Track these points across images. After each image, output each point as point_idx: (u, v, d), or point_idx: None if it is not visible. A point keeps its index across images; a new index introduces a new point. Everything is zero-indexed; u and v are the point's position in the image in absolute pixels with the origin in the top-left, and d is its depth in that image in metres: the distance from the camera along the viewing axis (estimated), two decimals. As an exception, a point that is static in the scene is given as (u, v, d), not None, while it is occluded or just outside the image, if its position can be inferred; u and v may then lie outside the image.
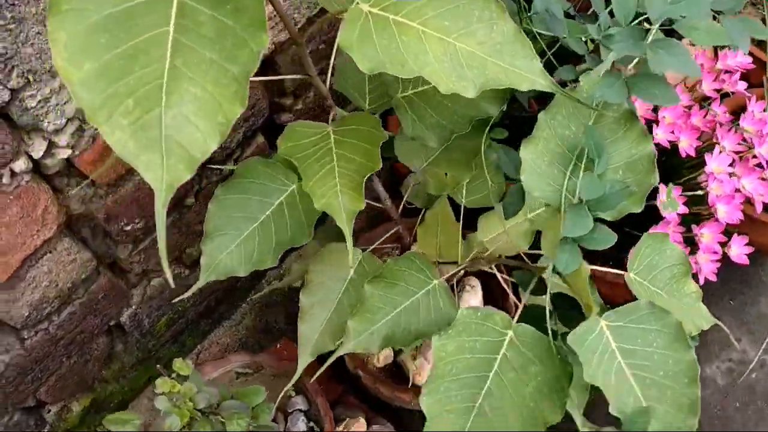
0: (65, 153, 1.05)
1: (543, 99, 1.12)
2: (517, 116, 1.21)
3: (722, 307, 1.71)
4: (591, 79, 0.89)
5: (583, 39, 1.05)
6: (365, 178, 0.84)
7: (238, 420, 1.06)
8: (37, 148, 1.01)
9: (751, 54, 1.36)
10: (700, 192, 1.19)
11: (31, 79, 0.94)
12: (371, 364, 1.45)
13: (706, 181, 1.17)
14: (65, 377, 1.42)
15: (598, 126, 0.91)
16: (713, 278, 1.19)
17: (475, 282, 1.47)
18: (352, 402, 1.44)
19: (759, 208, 1.20)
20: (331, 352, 1.05)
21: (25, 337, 1.25)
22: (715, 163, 1.17)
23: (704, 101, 1.32)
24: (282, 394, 1.18)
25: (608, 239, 0.85)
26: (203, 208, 1.46)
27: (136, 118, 0.56)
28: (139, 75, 0.56)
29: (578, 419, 0.79)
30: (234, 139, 1.37)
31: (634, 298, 0.85)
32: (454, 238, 1.17)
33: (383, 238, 1.16)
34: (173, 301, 1.55)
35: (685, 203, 1.15)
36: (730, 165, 1.19)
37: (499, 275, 1.39)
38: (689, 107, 1.25)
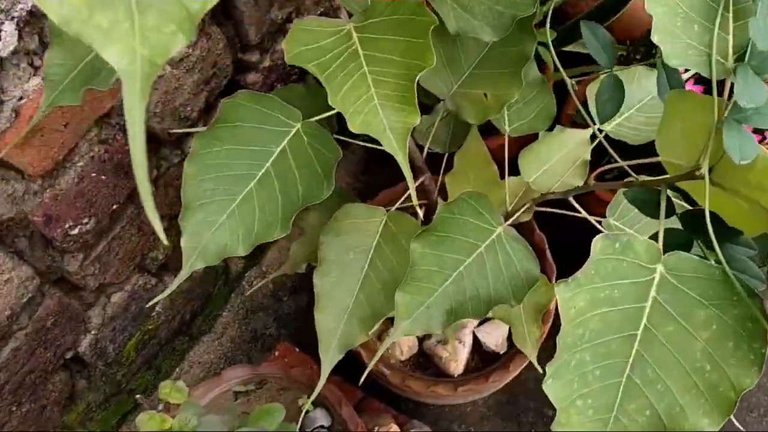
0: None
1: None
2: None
3: None
4: None
5: None
6: (415, 80, 0.57)
7: (257, 452, 0.77)
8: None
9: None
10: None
11: None
12: (394, 357, 1.17)
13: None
14: None
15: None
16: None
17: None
18: (376, 407, 1.15)
19: None
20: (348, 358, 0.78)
21: (-45, 387, 0.93)
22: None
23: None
24: (303, 409, 0.90)
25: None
26: (165, 198, 1.15)
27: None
28: None
29: None
30: (194, 107, 1.07)
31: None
32: (491, 183, 0.90)
33: (405, 196, 0.89)
34: (140, 319, 1.24)
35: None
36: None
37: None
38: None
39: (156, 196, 1.10)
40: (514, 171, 0.91)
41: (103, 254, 1.09)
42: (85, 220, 1.01)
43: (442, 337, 1.14)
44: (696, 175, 0.57)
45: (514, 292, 0.71)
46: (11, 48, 0.76)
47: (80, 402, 1.24)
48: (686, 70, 0.90)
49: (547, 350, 0.80)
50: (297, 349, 1.19)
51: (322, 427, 0.99)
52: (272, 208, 0.69)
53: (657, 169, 0.68)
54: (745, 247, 0.57)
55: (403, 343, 1.15)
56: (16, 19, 0.75)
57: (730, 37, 0.56)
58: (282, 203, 0.69)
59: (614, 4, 1.04)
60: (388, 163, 0.95)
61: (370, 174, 1.50)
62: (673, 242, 0.57)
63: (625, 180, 0.67)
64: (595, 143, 0.82)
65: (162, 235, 0.37)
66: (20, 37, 0.77)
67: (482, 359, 1.16)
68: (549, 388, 0.54)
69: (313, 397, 0.84)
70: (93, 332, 1.16)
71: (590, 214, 1.31)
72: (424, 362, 1.17)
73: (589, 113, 0.79)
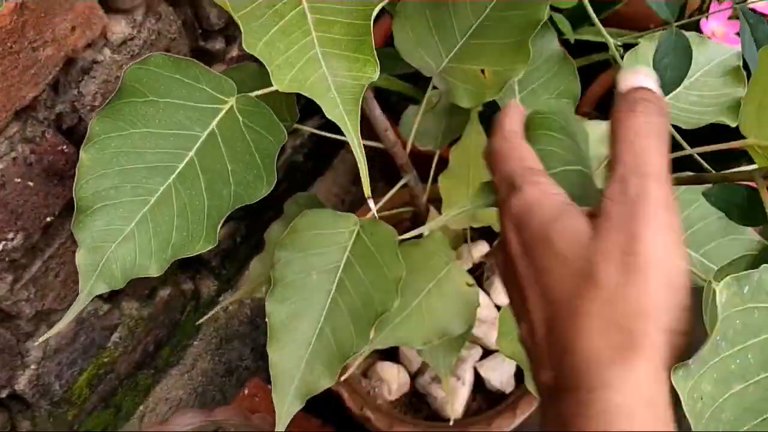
0: None
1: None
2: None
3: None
4: None
5: None
6: (372, 18, 0.37)
7: None
8: None
9: None
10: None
11: None
12: (381, 398, 0.96)
13: None
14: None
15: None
16: None
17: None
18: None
19: None
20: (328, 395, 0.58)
21: None
22: None
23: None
24: (260, 468, 0.70)
25: None
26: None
27: None
28: None
29: None
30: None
31: None
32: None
33: (388, 197, 0.69)
34: (93, 351, 1.05)
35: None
36: None
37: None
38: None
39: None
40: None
41: (40, 276, 0.90)
42: (11, 235, 0.82)
43: (438, 375, 0.94)
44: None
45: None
46: None
47: (23, 447, 1.05)
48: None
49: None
50: (270, 387, 0.99)
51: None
52: (196, 212, 0.50)
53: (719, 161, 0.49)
54: None
55: (392, 381, 0.95)
56: None
57: None
58: (208, 205, 0.50)
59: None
60: (383, 174, 0.74)
61: (359, 185, 1.31)
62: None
63: (689, 174, 0.47)
64: None
65: None
66: None
67: (485, 400, 0.95)
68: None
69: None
70: (33, 367, 0.97)
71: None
72: (417, 403, 0.97)
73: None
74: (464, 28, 0.61)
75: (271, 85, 0.41)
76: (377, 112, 0.62)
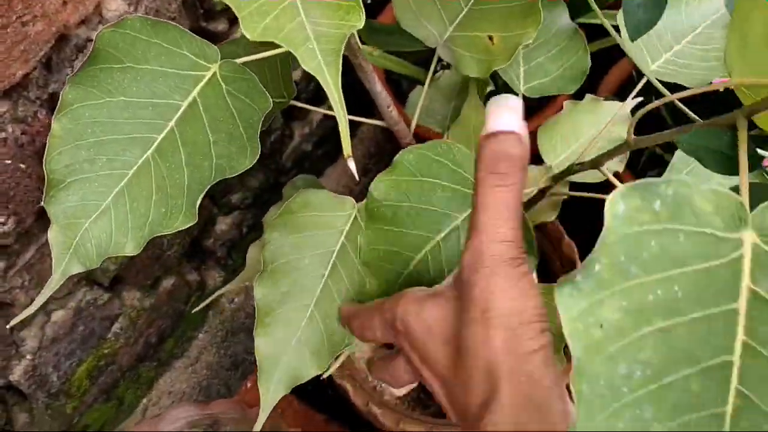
0: None
1: None
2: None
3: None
4: None
5: None
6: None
7: None
8: None
9: None
10: None
11: None
12: (388, 393, 0.92)
13: None
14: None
15: None
16: None
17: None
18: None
19: None
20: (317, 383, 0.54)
21: None
22: None
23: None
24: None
25: None
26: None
27: None
28: None
29: None
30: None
31: None
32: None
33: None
34: (92, 342, 1.01)
35: None
36: None
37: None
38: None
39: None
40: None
41: (35, 262, 0.86)
42: (2, 220, 0.79)
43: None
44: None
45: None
46: None
47: (21, 439, 1.01)
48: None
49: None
50: (273, 380, 0.95)
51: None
52: (175, 186, 0.46)
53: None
54: None
55: (398, 376, 0.90)
56: None
57: None
58: (188, 178, 0.46)
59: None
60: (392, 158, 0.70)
61: (370, 176, 1.26)
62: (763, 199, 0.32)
63: (681, 127, 0.43)
64: (640, 85, 0.56)
65: None
66: None
67: (497, 396, 0.90)
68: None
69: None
70: (28, 357, 0.93)
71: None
72: (425, 399, 0.92)
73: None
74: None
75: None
76: (378, 87, 0.57)
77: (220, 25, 0.91)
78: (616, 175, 0.57)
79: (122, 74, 0.46)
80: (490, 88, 0.69)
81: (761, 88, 0.36)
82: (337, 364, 0.64)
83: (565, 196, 0.66)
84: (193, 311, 1.15)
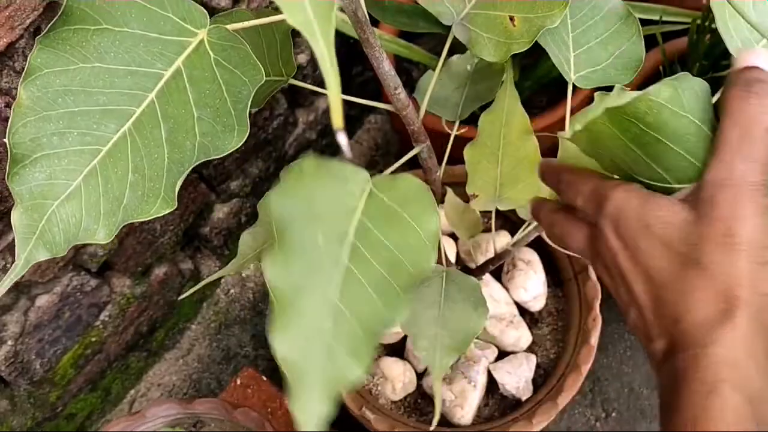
0: None
1: None
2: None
3: None
4: None
5: None
6: None
7: None
8: None
9: None
10: None
11: None
12: (384, 397, 0.86)
13: None
14: None
15: None
16: None
17: (532, 256, 0.89)
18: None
19: None
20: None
21: None
22: None
23: None
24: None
25: None
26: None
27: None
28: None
29: None
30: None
31: None
32: (530, 163, 0.60)
33: (395, 167, 0.59)
34: (79, 330, 0.96)
35: None
36: None
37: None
38: None
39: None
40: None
41: (18, 244, 0.81)
42: (-19, 197, 0.74)
43: (447, 374, 0.84)
44: None
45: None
46: None
47: (1, 427, 0.96)
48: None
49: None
50: (265, 378, 0.90)
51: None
52: (153, 167, 0.40)
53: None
54: None
55: (396, 379, 0.85)
56: None
57: None
58: (168, 158, 0.40)
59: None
60: (400, 156, 0.64)
61: (376, 168, 1.20)
62: None
63: None
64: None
65: None
66: None
67: (499, 406, 0.85)
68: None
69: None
70: (9, 343, 0.88)
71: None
72: (424, 405, 0.86)
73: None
74: None
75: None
76: (386, 67, 0.52)
77: (224, 1, 0.85)
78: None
79: (98, 37, 0.41)
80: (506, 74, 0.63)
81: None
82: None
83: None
84: (186, 301, 1.09)
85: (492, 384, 0.84)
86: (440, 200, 0.70)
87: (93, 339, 0.98)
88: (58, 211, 0.41)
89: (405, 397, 0.86)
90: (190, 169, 0.40)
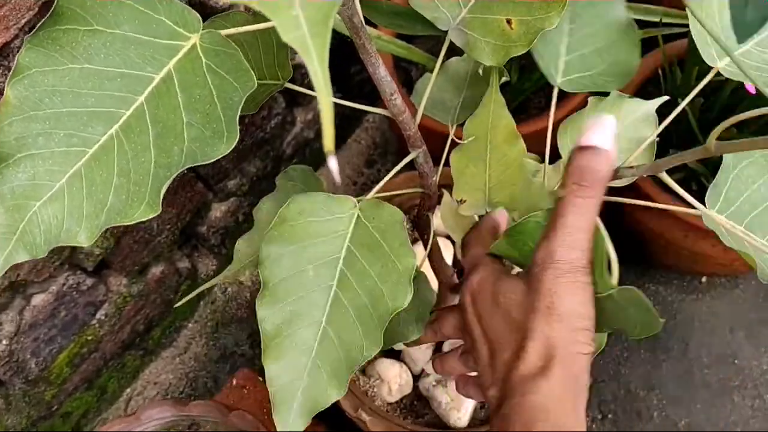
0: None
1: None
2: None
3: None
4: None
5: None
6: None
7: None
8: None
9: None
10: None
11: None
12: (380, 398, 0.85)
13: None
14: None
15: None
16: None
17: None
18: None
19: None
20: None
21: None
22: None
23: None
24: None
25: None
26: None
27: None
28: None
29: None
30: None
31: None
32: (514, 165, 0.59)
33: (392, 174, 0.58)
34: (75, 328, 0.95)
35: None
36: None
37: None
38: None
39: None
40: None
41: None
42: (-24, 196, 0.72)
43: (444, 378, 0.83)
44: None
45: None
46: None
47: (-3, 426, 0.95)
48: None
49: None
50: (261, 378, 0.89)
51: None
52: (139, 171, 0.39)
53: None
54: None
55: (392, 381, 0.84)
56: None
57: None
58: (155, 163, 0.39)
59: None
60: (398, 156, 0.64)
61: (374, 167, 1.19)
62: None
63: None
64: (707, 80, 0.49)
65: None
66: None
67: (495, 408, 0.84)
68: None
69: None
70: (4, 342, 0.87)
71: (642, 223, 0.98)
72: (420, 407, 0.86)
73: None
74: None
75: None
76: (381, 72, 0.50)
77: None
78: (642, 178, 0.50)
79: (89, 38, 0.40)
80: (505, 78, 0.62)
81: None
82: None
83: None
84: (189, 301, 1.08)
85: (488, 387, 0.83)
86: (437, 202, 0.69)
87: (89, 338, 0.97)
88: (39, 212, 0.40)
89: (401, 399, 0.85)
90: (177, 174, 0.39)
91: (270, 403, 0.48)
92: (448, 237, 0.91)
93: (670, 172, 0.47)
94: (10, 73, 0.40)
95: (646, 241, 1.02)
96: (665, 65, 0.94)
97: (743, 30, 0.34)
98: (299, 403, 0.48)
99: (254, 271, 0.87)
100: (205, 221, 1.05)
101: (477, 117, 0.58)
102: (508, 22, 0.49)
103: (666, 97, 0.62)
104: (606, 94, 0.57)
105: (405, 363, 0.85)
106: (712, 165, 0.89)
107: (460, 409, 0.81)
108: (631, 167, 0.47)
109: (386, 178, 0.57)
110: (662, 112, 0.58)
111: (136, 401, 1.07)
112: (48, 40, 0.40)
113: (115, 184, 0.40)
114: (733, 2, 0.34)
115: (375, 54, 0.50)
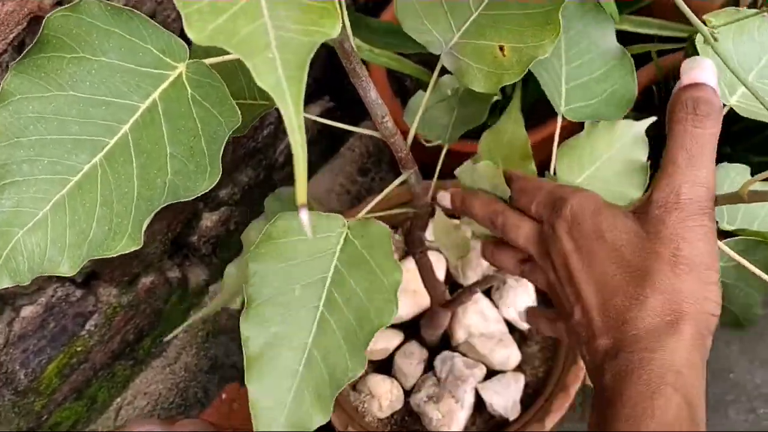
0: None
1: None
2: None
3: None
4: None
5: None
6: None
7: None
8: None
9: None
10: None
11: None
12: (370, 414, 0.86)
13: None
14: None
15: None
16: None
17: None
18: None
19: None
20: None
21: None
22: None
23: None
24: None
25: None
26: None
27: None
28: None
29: None
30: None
31: None
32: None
33: (382, 195, 0.58)
34: (64, 339, 0.95)
35: None
36: None
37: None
38: None
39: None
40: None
41: (1, 256, 0.80)
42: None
43: (434, 393, 0.83)
44: None
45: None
46: None
47: (-16, 436, 0.95)
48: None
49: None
50: (250, 392, 0.89)
51: None
52: (122, 201, 0.39)
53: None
54: None
55: (382, 396, 0.84)
56: None
57: None
58: (138, 194, 0.39)
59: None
60: (391, 165, 0.64)
61: (368, 176, 1.19)
62: None
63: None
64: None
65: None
66: None
67: (486, 425, 0.84)
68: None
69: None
70: (-7, 353, 0.88)
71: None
72: (411, 423, 0.86)
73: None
74: (480, -4, 0.50)
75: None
76: (372, 95, 0.50)
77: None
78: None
79: (75, 66, 0.40)
80: (497, 97, 0.62)
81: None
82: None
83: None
84: (173, 310, 1.08)
85: (480, 402, 0.83)
86: (425, 220, 0.69)
87: (78, 348, 0.97)
88: (23, 239, 0.40)
89: (392, 415, 0.85)
90: (158, 209, 0.39)
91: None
92: (440, 250, 0.91)
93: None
94: (-6, 98, 0.40)
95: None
96: (660, 79, 0.94)
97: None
98: (282, 427, 0.48)
99: (237, 301, 0.87)
100: (196, 231, 1.05)
101: (493, 133, 0.59)
102: (501, 48, 0.49)
103: (654, 118, 0.62)
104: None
105: (396, 378, 0.86)
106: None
107: (451, 426, 0.81)
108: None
109: (374, 202, 0.57)
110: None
111: (126, 411, 1.07)
112: (33, 67, 0.40)
113: (97, 215, 0.40)
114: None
115: (366, 78, 0.50)
